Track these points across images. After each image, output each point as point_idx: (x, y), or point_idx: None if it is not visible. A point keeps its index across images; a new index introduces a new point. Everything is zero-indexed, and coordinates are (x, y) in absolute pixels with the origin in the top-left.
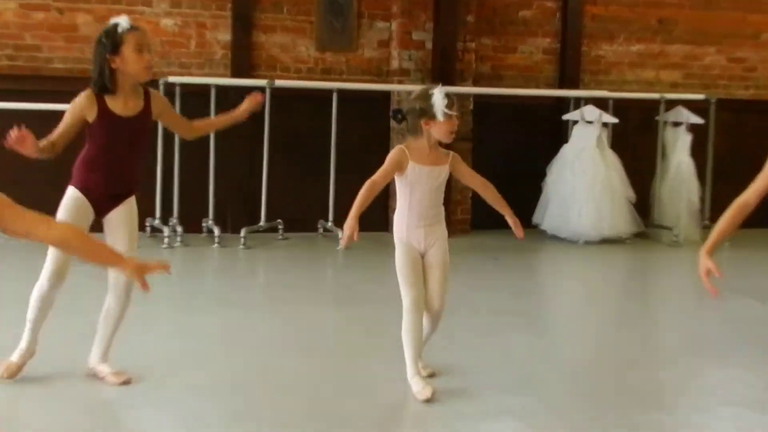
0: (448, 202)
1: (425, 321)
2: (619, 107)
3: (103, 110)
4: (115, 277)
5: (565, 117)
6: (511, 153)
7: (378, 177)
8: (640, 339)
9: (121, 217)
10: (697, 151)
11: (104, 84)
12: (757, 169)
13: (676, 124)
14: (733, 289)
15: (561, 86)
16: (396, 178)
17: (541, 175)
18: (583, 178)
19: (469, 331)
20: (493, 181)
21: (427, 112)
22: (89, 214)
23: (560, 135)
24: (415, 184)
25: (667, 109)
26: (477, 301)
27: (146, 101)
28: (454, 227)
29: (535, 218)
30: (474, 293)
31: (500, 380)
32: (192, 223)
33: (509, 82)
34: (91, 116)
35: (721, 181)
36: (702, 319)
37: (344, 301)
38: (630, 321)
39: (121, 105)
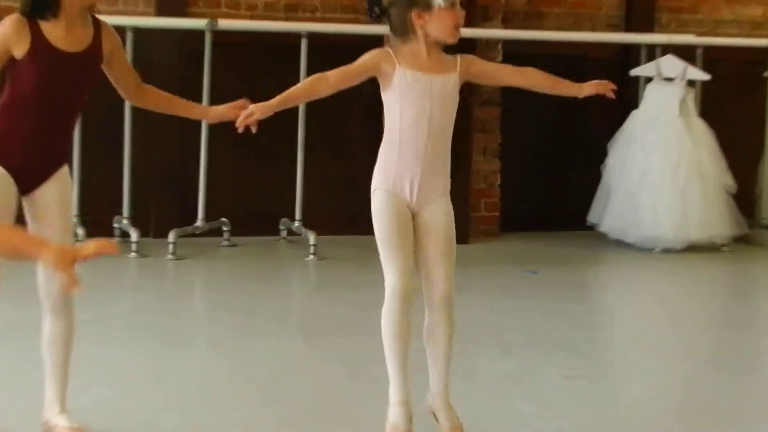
0: (467, 191)
1: (429, 321)
2: (711, 59)
3: (39, 41)
4: (45, 288)
5: (634, 72)
6: (555, 124)
7: (332, 72)
8: (741, 385)
9: (52, 196)
10: None
11: (43, 2)
12: None
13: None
14: None
15: (628, 29)
16: (382, 93)
17: (600, 155)
18: (659, 159)
19: (498, 374)
20: (531, 164)
21: (418, 0)
22: (12, 193)
23: (627, 98)
24: (406, 97)
25: None
26: (508, 332)
27: (96, 34)
28: (476, 228)
29: (592, 216)
30: (504, 321)
31: None
32: (99, 224)
33: (553, 23)
34: (20, 49)
35: None
36: None
37: (316, 331)
38: (726, 360)
39: (62, 35)
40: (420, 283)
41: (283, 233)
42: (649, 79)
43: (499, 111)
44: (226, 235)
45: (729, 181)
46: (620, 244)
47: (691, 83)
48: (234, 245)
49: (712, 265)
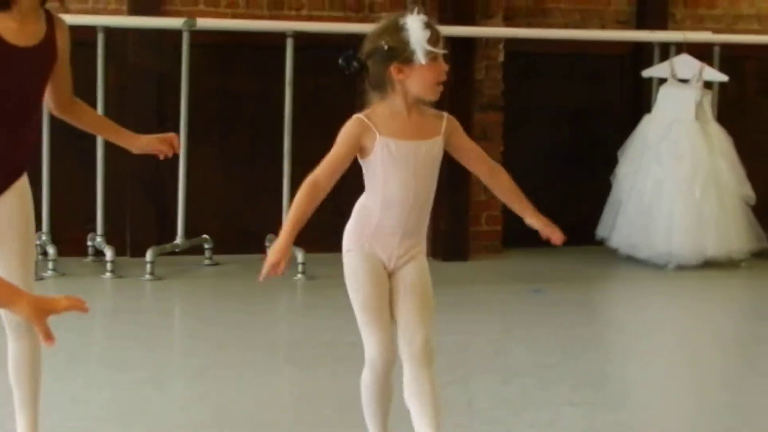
0: (466, 204)
1: (410, 377)
2: (730, 57)
3: None
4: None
5: (647, 73)
6: (562, 130)
7: (321, 173)
8: (761, 413)
9: (11, 212)
10: None
11: None
12: None
13: None
14: None
15: (640, 26)
16: (360, 159)
17: (609, 164)
18: (674, 168)
19: (499, 406)
20: (537, 171)
21: (398, 53)
22: None
23: (638, 101)
24: (389, 169)
25: None
26: (510, 358)
27: (49, 28)
28: (477, 244)
29: (601, 231)
30: (506, 346)
31: None
32: (71, 242)
33: (559, 20)
34: None
35: None
36: None
37: (305, 359)
38: (750, 389)
39: (15, 29)
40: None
41: (269, 251)
42: (662, 81)
43: (501, 116)
44: (207, 254)
45: (748, 191)
46: (631, 261)
47: (708, 85)
48: (216, 264)
49: (729, 283)
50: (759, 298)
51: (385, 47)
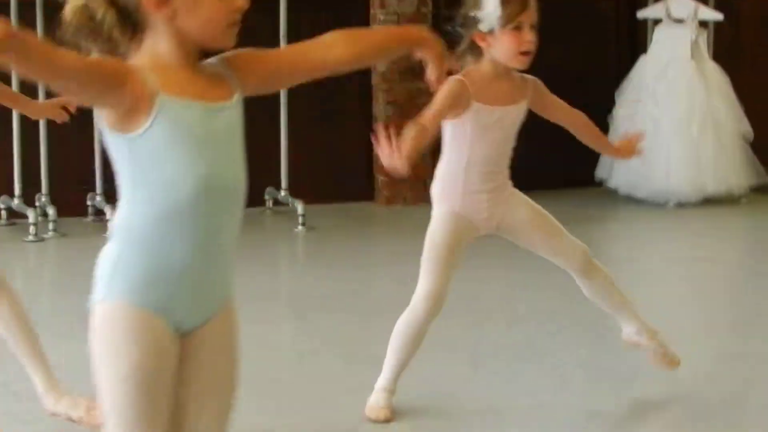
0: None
1: (588, 284)
2: None
3: None
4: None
5: (642, 14)
6: (559, 70)
7: (429, 120)
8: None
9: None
10: None
11: None
12: None
13: None
14: None
15: None
16: (447, 123)
17: (607, 105)
18: (671, 107)
19: (500, 352)
20: (534, 116)
21: (476, 22)
22: None
23: (634, 43)
24: (478, 133)
25: None
26: (510, 303)
27: None
28: None
29: (600, 172)
30: (504, 291)
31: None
32: (71, 202)
33: None
34: None
35: None
36: None
37: (309, 310)
38: (757, 325)
39: None
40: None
41: (269, 203)
42: (657, 22)
43: None
44: None
45: (746, 128)
46: (631, 200)
47: (703, 24)
48: None
49: (729, 219)
50: (761, 232)
51: (468, 15)
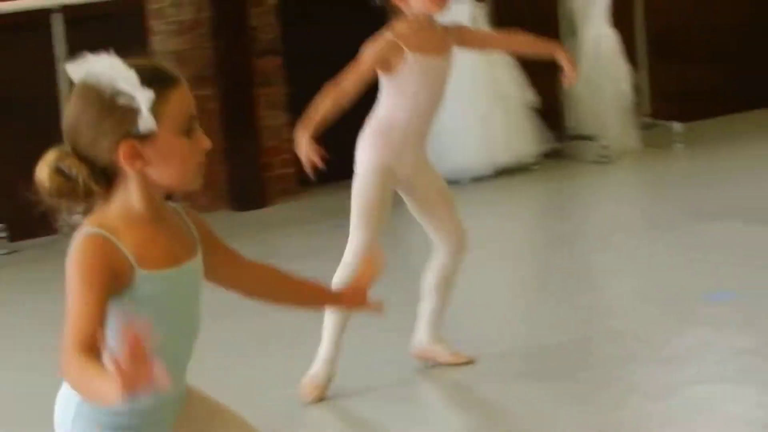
0: (257, 151)
1: (448, 264)
2: None
3: None
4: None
5: None
6: (338, 63)
7: (349, 81)
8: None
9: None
10: (622, 18)
11: None
12: (709, 33)
13: None
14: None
15: None
16: (383, 80)
17: None
18: (456, 84)
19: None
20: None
21: None
22: None
23: None
24: (420, 81)
25: None
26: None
27: None
28: (274, 188)
29: None
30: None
31: None
32: None
33: None
34: None
35: (660, 59)
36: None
37: None
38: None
39: None
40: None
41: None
42: None
43: (280, 60)
44: (3, 240)
45: (531, 96)
46: None
47: None
48: (14, 252)
49: (524, 187)
50: (555, 196)
51: None
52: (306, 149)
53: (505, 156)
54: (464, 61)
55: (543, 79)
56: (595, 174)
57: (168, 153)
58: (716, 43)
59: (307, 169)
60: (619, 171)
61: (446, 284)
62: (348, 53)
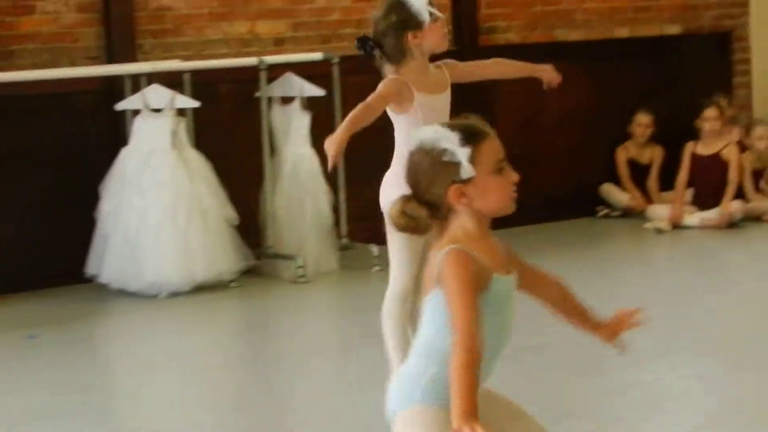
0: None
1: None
2: (202, 83)
3: None
4: None
5: (120, 106)
6: (45, 169)
7: (373, 101)
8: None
9: None
10: (322, 139)
11: None
12: None
13: (287, 100)
14: None
15: (110, 60)
16: (396, 117)
17: (94, 200)
18: (156, 198)
19: None
20: (26, 214)
21: (409, 22)
22: None
23: (115, 135)
24: (429, 119)
25: (272, 79)
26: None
27: None
28: None
29: (90, 268)
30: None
31: None
32: None
33: (28, 61)
34: None
35: (360, 179)
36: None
37: None
38: (251, 397)
39: None
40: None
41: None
42: (137, 112)
43: None
44: None
45: (230, 213)
46: (124, 294)
47: (182, 112)
48: None
49: (222, 303)
50: (250, 314)
51: (396, 21)
52: (339, 146)
53: (203, 272)
54: (166, 175)
55: (244, 195)
56: (292, 293)
57: (485, 190)
58: None
59: (331, 164)
60: (315, 291)
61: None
62: (46, 152)
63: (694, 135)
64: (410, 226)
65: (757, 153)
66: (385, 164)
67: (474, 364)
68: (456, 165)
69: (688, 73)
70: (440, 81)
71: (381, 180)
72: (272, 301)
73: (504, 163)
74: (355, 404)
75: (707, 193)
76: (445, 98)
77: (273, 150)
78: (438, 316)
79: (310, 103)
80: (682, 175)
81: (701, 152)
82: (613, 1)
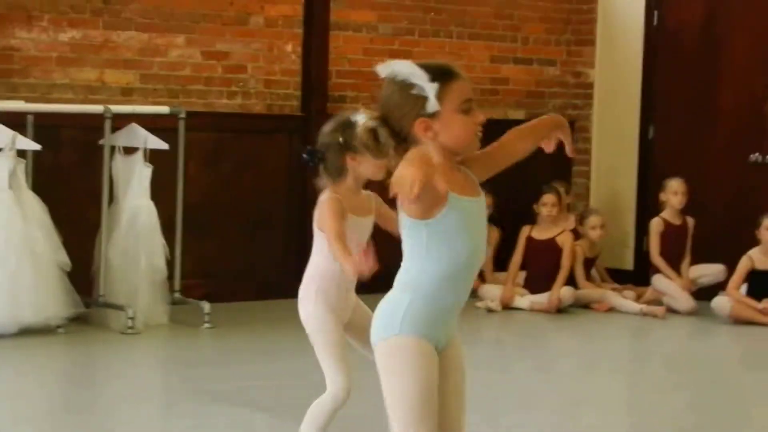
0: None
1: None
2: (45, 126)
3: None
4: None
5: None
6: None
7: (339, 228)
8: None
9: None
10: (164, 191)
11: None
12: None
13: (130, 151)
14: None
15: None
16: (318, 232)
17: None
18: None
19: None
20: None
21: (352, 146)
22: None
23: None
24: (351, 238)
25: (117, 128)
26: None
27: None
28: None
29: None
30: None
31: None
32: None
33: None
34: None
35: (197, 234)
36: None
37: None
38: None
39: None
40: None
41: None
42: None
43: None
44: None
45: (63, 258)
46: None
47: (21, 153)
48: None
49: (48, 349)
50: (79, 361)
51: (341, 141)
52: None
53: (30, 316)
54: (1, 215)
55: (79, 242)
56: (120, 344)
57: (450, 126)
58: (245, 226)
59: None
60: (144, 343)
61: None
62: None
63: (532, 219)
64: (372, 146)
65: (590, 242)
66: (221, 225)
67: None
68: (424, 99)
69: (529, 157)
70: (365, 205)
71: (217, 238)
72: (99, 349)
73: (471, 104)
74: None
75: (539, 277)
76: (367, 222)
77: (112, 199)
78: (408, 247)
79: (153, 156)
80: (516, 258)
81: (537, 236)
82: None
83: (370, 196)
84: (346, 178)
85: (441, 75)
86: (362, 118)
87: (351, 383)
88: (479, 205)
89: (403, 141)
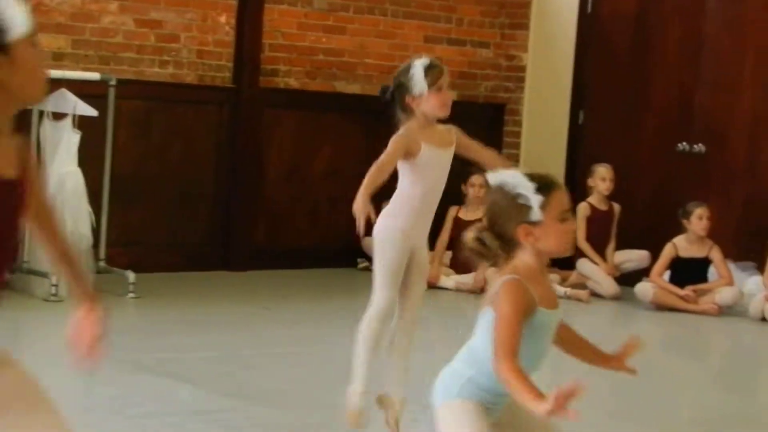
0: None
1: (401, 333)
2: None
3: None
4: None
5: None
6: None
7: (385, 160)
8: None
9: None
10: (92, 158)
11: None
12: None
13: (59, 116)
14: None
15: None
16: (403, 165)
17: None
18: None
19: None
20: None
21: (408, 88)
22: None
23: None
24: (427, 169)
25: (47, 93)
26: None
27: None
28: None
29: None
30: None
31: None
32: None
33: None
34: None
35: (123, 203)
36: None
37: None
38: None
39: None
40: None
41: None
42: None
43: None
44: None
45: None
46: None
47: None
48: None
49: None
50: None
51: (399, 83)
52: (365, 208)
53: None
54: None
55: None
56: (43, 311)
57: (549, 233)
58: (173, 197)
59: (360, 225)
60: (67, 310)
61: (407, 341)
62: None
63: (459, 199)
64: (480, 251)
65: None
66: (148, 194)
67: (517, 367)
68: (528, 208)
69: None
70: (444, 139)
71: (144, 208)
72: (22, 316)
73: (568, 214)
74: (99, 426)
75: (465, 258)
76: (445, 155)
77: (41, 163)
78: (487, 331)
79: (81, 122)
80: (443, 237)
81: (464, 217)
82: (397, 60)
83: (450, 129)
84: (414, 115)
85: (545, 187)
86: (420, 62)
87: (395, 301)
88: (557, 317)
89: (505, 243)
